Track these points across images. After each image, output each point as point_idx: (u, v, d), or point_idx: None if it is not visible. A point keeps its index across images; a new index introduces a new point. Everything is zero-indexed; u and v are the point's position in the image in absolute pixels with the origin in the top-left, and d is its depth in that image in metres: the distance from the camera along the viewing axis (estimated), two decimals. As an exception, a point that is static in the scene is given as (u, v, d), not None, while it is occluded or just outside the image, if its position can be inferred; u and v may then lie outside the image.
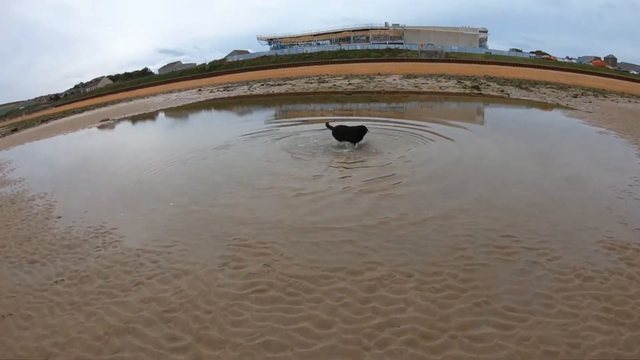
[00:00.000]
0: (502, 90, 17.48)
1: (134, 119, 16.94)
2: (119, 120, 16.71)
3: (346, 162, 6.17)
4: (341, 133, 7.05)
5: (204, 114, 17.61)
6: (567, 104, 13.86)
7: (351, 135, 6.95)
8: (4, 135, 21.57)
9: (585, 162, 6.45)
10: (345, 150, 6.83)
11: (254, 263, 3.36)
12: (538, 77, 27.37)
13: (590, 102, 14.91)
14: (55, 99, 64.18)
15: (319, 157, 6.49)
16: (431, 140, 7.51)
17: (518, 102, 14.56)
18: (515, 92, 17.15)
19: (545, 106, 13.74)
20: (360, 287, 2.96)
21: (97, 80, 70.02)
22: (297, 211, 4.39)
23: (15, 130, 23.55)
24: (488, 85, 19.89)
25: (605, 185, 5.02)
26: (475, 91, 17.04)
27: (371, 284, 2.99)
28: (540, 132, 8.98)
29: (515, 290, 2.86)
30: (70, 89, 69.68)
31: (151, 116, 17.75)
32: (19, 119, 38.68)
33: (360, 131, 6.88)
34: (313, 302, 2.83)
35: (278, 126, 10.07)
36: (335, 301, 2.82)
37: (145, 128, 15.13)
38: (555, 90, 18.95)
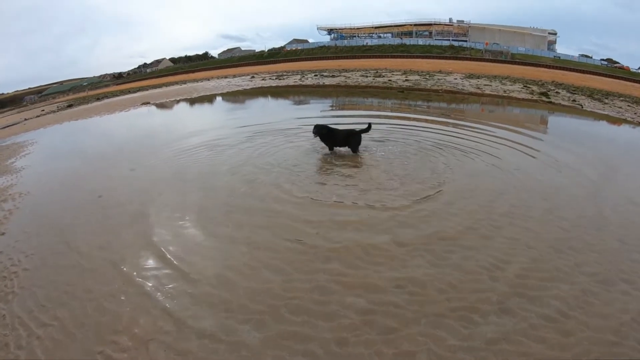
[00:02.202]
0: (574, 100, 16.32)
1: (169, 105, 17.82)
2: (156, 105, 17.63)
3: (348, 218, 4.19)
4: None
5: (240, 103, 17.62)
6: (650, 123, 12.76)
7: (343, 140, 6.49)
8: (58, 110, 23.98)
9: None
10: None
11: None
12: (609, 87, 25.01)
13: (675, 122, 13.52)
14: (118, 78, 69.31)
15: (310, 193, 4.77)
16: (497, 169, 5.78)
17: (594, 116, 13.44)
18: (588, 104, 15.90)
19: (625, 124, 12.69)
20: None
21: (158, 61, 74.51)
22: (217, 312, 2.86)
23: (70, 105, 26.00)
24: (557, 92, 18.70)
25: None
26: (544, 98, 16.11)
27: None
28: (628, 167, 6.55)
29: None
30: (134, 68, 75.51)
31: (188, 102, 18.56)
32: (82, 94, 41.98)
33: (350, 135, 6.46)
34: None
35: (302, 122, 9.31)
36: None
37: (166, 116, 15.44)
38: (630, 104, 17.14)
